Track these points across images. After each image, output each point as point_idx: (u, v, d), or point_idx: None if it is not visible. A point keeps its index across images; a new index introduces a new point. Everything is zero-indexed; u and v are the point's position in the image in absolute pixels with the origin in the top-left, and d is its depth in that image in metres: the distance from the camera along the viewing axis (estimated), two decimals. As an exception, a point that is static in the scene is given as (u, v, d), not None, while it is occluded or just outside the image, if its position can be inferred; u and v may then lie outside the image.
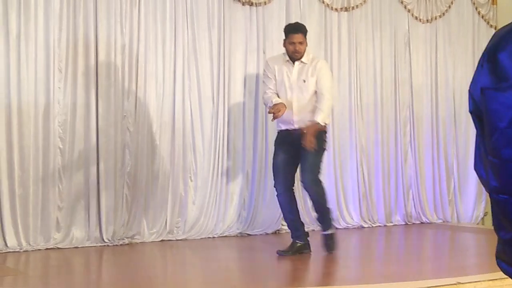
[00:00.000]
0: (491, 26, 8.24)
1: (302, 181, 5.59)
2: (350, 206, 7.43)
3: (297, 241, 5.57)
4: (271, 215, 6.89)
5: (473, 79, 1.27)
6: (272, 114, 5.33)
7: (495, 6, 8.35)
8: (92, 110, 6.15)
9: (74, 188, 6.07)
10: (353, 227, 7.36)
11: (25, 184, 5.88)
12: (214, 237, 6.66)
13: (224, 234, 6.73)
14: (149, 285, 4.54)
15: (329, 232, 5.61)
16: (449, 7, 8.08)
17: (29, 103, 5.91)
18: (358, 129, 7.50)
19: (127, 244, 6.22)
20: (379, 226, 7.52)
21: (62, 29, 6.06)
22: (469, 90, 1.27)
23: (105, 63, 6.22)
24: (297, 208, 5.71)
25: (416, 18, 7.91)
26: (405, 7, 7.84)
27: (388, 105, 7.73)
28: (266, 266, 5.36)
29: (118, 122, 6.27)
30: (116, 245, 6.15)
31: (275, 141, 5.72)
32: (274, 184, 5.66)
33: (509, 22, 1.24)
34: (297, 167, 5.62)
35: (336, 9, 7.44)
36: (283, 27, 5.84)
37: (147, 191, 6.41)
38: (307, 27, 7.20)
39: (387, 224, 7.59)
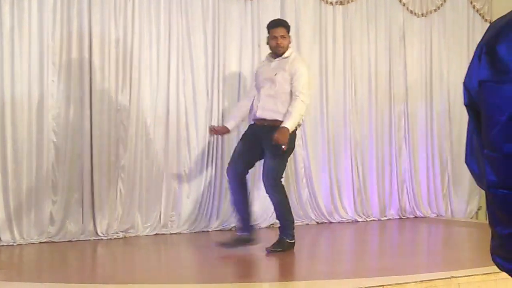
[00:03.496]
0: (486, 20, 8.23)
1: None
2: (345, 200, 7.44)
3: (238, 233, 5.52)
4: (264, 209, 6.88)
5: (468, 71, 1.25)
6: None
7: (490, 0, 8.35)
8: (86, 103, 6.12)
9: (68, 182, 6.05)
10: (348, 221, 7.36)
11: (19, 178, 5.86)
12: (208, 231, 6.65)
13: (218, 228, 6.72)
14: (144, 278, 4.53)
15: (283, 235, 5.42)
16: (444, 1, 8.07)
17: (23, 97, 5.88)
18: (352, 124, 7.50)
19: (121, 238, 6.21)
20: (374, 220, 7.52)
21: (56, 23, 6.02)
22: (464, 83, 1.25)
23: (99, 56, 6.19)
24: (246, 198, 5.52)
25: (411, 12, 7.90)
26: (400, 1, 7.83)
27: (382, 100, 7.72)
28: (259, 259, 5.35)
29: (112, 116, 6.25)
30: (110, 238, 6.14)
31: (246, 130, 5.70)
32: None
33: (506, 13, 1.22)
34: (253, 160, 5.54)
35: (331, 3, 7.43)
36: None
37: (141, 185, 6.39)
38: (301, 21, 7.25)
39: (381, 219, 7.60)
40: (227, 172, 5.63)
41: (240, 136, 5.74)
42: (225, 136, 6.70)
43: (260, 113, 5.40)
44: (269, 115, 5.37)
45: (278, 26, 5.52)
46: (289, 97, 5.36)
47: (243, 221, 5.52)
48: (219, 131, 5.75)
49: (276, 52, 5.48)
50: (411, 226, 7.41)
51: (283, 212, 5.48)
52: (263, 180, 5.47)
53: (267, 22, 5.74)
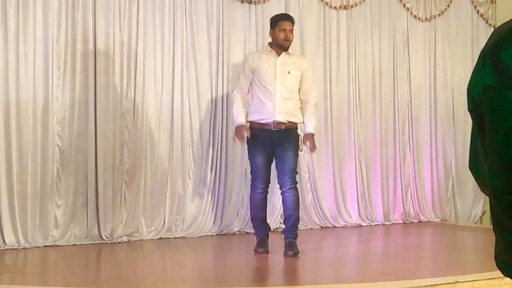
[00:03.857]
0: (490, 25, 8.23)
1: (282, 184, 5.44)
2: (349, 204, 7.43)
3: (266, 238, 5.52)
4: (268, 213, 6.86)
5: (472, 77, 1.25)
6: (235, 138, 5.42)
7: (494, 5, 8.35)
8: (90, 107, 6.14)
9: (72, 186, 6.07)
10: (352, 225, 7.36)
11: (24, 182, 5.87)
12: (212, 235, 6.65)
13: (223, 232, 6.72)
14: (148, 282, 4.54)
15: (294, 238, 5.45)
16: (448, 5, 8.08)
17: (28, 101, 5.90)
18: (356, 128, 7.50)
19: (126, 242, 6.21)
20: (378, 224, 7.52)
21: (61, 26, 6.04)
22: (468, 89, 1.25)
23: (104, 60, 6.21)
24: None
25: (415, 16, 7.91)
26: (404, 5, 7.84)
27: (386, 104, 7.73)
28: (264, 264, 5.35)
29: (117, 120, 6.26)
30: (115, 242, 6.14)
31: (252, 139, 5.44)
32: (255, 183, 5.48)
33: (509, 19, 1.23)
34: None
35: (335, 7, 7.44)
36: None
37: (146, 189, 6.40)
38: (306, 25, 7.26)
39: (386, 223, 7.59)
40: (256, 187, 5.46)
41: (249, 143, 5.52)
42: (229, 140, 6.74)
43: (280, 117, 5.36)
44: (287, 118, 5.39)
45: (288, 19, 5.49)
46: (298, 94, 5.43)
47: (267, 229, 5.60)
48: (245, 135, 5.46)
49: (283, 46, 5.43)
50: (415, 231, 7.40)
51: (299, 209, 5.53)
52: (284, 179, 5.41)
53: (275, 15, 5.69)
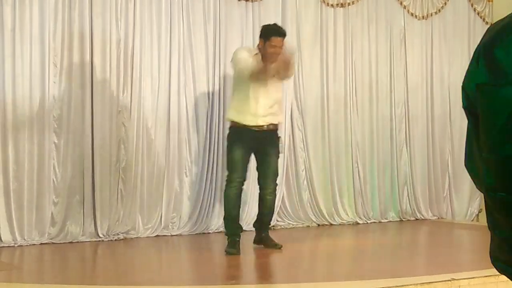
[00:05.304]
0: (486, 23, 8.24)
1: (263, 188, 5.53)
2: (345, 202, 7.44)
3: (238, 239, 5.49)
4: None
5: (466, 74, 1.25)
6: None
7: (491, 3, 8.36)
8: (87, 104, 6.13)
9: (69, 183, 6.06)
10: (348, 223, 7.36)
11: (20, 179, 5.87)
12: (209, 233, 6.65)
13: (219, 230, 6.71)
14: (144, 280, 4.54)
15: (267, 232, 5.73)
16: (445, 3, 8.08)
17: (24, 98, 5.89)
18: (353, 126, 7.50)
19: (122, 239, 6.21)
20: (374, 222, 7.53)
21: (57, 23, 6.03)
22: (463, 86, 1.25)
23: (100, 57, 6.20)
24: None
25: (412, 14, 7.91)
26: (400, 3, 7.84)
27: (383, 102, 7.73)
28: (259, 261, 5.36)
29: (113, 117, 6.26)
30: (111, 240, 6.14)
31: (231, 136, 5.53)
32: (230, 177, 5.48)
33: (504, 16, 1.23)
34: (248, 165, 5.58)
35: (332, 5, 7.43)
36: (276, 22, 5.84)
37: (142, 186, 6.40)
38: (302, 23, 7.27)
39: (382, 221, 7.60)
40: (231, 181, 5.46)
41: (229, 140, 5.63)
42: (225, 138, 6.73)
43: (271, 119, 5.45)
44: (275, 120, 5.50)
45: (281, 35, 5.38)
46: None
47: (239, 228, 5.62)
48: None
49: (270, 60, 5.31)
50: (411, 228, 7.41)
51: (273, 212, 5.89)
52: (266, 182, 5.50)
53: (267, 25, 5.61)
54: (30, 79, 5.91)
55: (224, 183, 5.64)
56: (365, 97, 7.61)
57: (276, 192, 5.75)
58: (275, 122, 5.50)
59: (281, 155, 5.71)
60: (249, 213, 6.69)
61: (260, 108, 5.38)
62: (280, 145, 5.57)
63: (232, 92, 5.72)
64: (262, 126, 5.41)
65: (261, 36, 5.49)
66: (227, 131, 6.73)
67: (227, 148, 5.65)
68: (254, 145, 5.42)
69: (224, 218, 5.62)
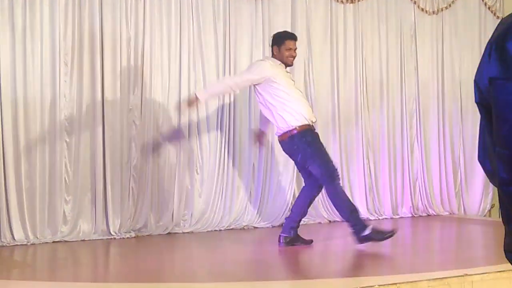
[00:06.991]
0: (497, 17, 8.19)
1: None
2: (357, 199, 7.41)
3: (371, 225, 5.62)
4: (277, 208, 6.89)
5: (478, 68, 1.24)
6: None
7: (502, -3, 8.31)
8: (98, 103, 6.15)
9: (80, 182, 6.09)
10: (360, 219, 7.33)
11: (32, 178, 5.90)
12: (220, 230, 6.66)
13: (231, 227, 6.73)
14: (156, 277, 4.55)
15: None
16: (456, -2, 8.04)
17: (35, 97, 5.92)
18: (364, 122, 7.48)
19: (134, 237, 6.23)
20: (386, 218, 7.51)
21: (68, 23, 6.06)
22: (475, 80, 1.25)
23: (111, 56, 6.22)
24: None
25: (422, 9, 7.88)
26: (411, -1, 7.81)
27: (394, 98, 7.71)
28: (272, 259, 5.36)
29: (124, 115, 6.27)
30: (123, 238, 6.16)
31: (310, 134, 5.51)
32: (333, 173, 5.53)
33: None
34: None
35: (341, 2, 7.41)
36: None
37: (153, 184, 6.41)
38: (312, 20, 7.27)
39: (394, 217, 7.59)
40: (335, 178, 5.55)
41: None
42: (237, 135, 6.77)
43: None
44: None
45: (294, 38, 5.64)
46: None
47: None
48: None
49: (288, 63, 5.59)
50: (423, 224, 7.39)
51: None
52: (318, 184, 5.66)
53: (278, 32, 5.76)
54: (41, 78, 5.94)
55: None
56: (376, 93, 7.59)
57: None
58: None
59: None
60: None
61: (307, 105, 5.60)
62: None
63: (271, 103, 5.47)
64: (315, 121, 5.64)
65: (274, 43, 5.62)
66: (237, 129, 6.77)
67: (312, 150, 5.52)
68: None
69: (352, 212, 5.48)
